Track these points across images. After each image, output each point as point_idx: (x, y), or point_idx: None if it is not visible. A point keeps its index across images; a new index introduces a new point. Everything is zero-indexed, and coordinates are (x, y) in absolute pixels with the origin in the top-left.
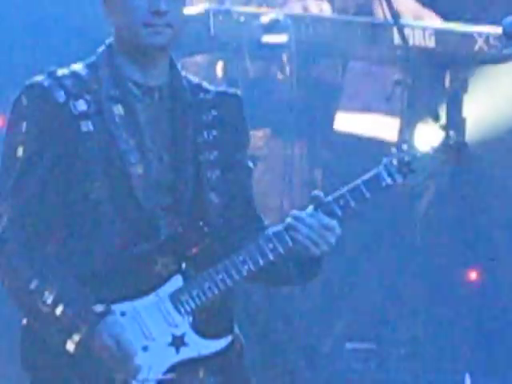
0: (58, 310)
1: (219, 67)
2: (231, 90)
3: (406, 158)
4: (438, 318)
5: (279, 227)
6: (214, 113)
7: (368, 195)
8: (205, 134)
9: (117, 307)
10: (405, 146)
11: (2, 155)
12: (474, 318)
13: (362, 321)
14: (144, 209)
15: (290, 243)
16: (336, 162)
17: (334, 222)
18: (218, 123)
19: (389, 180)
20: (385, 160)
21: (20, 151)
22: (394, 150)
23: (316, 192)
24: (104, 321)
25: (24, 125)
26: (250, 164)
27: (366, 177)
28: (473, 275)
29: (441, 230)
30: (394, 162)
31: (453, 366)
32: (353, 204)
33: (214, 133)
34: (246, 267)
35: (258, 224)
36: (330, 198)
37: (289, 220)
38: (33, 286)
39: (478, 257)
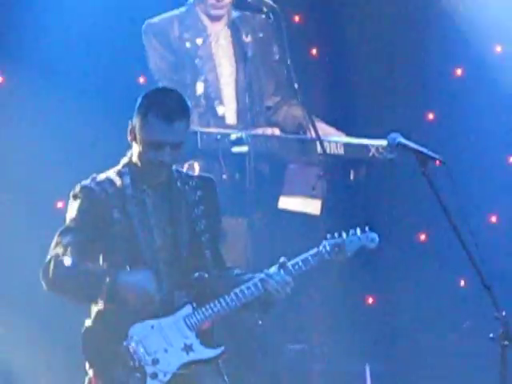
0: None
1: (196, 167)
2: (208, 175)
3: (340, 241)
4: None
5: (255, 279)
6: (199, 193)
7: (313, 263)
8: (195, 210)
9: (148, 322)
10: (337, 234)
11: (63, 227)
12: None
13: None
14: (150, 264)
15: (262, 291)
16: (278, 231)
17: (290, 279)
18: (203, 200)
19: (327, 256)
20: (324, 242)
21: (72, 225)
22: (329, 236)
23: (283, 258)
24: (120, 271)
25: (81, 207)
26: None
27: (312, 252)
28: None
29: None
30: (330, 245)
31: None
32: (304, 269)
33: (202, 207)
34: (233, 304)
35: (228, 271)
36: (289, 263)
37: (262, 275)
38: (81, 267)
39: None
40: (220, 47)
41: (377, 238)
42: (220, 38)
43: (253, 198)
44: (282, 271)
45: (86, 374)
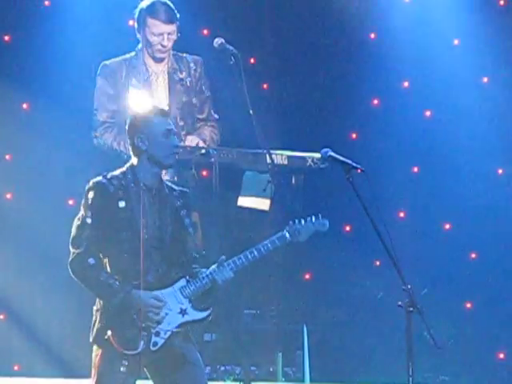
0: (112, 284)
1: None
2: (185, 189)
3: (299, 227)
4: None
5: (214, 267)
6: (181, 200)
7: (278, 244)
8: (181, 211)
9: (152, 293)
10: (296, 221)
11: (81, 220)
12: None
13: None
14: (144, 247)
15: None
16: (237, 223)
17: (232, 275)
18: (185, 206)
19: (289, 238)
20: (287, 227)
21: (88, 215)
22: (291, 222)
23: (223, 257)
24: (133, 291)
25: (95, 201)
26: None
27: (277, 235)
28: None
29: None
30: (291, 229)
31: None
32: (271, 249)
33: (185, 210)
34: (209, 283)
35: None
36: (231, 260)
37: (214, 266)
38: (110, 281)
39: None
40: (158, 83)
41: (327, 224)
42: (160, 76)
43: (218, 197)
44: (227, 268)
45: (105, 333)
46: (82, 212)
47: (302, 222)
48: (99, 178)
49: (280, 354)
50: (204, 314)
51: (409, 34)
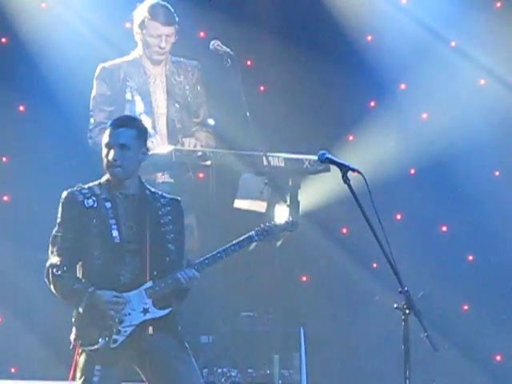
0: (76, 288)
1: (165, 175)
2: (176, 197)
3: (266, 229)
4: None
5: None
6: (168, 208)
7: (245, 245)
8: (164, 217)
9: (118, 295)
10: (263, 224)
11: (53, 232)
12: None
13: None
14: (118, 252)
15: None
16: (233, 224)
17: (197, 274)
18: (171, 213)
19: (256, 238)
20: (255, 228)
21: (59, 227)
22: (261, 224)
23: (189, 257)
24: (96, 291)
25: (65, 213)
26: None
27: (243, 237)
28: None
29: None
30: (258, 230)
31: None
32: (238, 250)
33: (170, 217)
34: (173, 283)
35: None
36: (200, 259)
37: (184, 267)
38: (75, 286)
39: None
40: (157, 86)
41: (297, 224)
42: (157, 79)
43: (215, 199)
44: (193, 269)
45: (71, 332)
46: (53, 234)
47: (272, 223)
48: (71, 189)
49: (277, 357)
50: (165, 312)
51: (405, 36)
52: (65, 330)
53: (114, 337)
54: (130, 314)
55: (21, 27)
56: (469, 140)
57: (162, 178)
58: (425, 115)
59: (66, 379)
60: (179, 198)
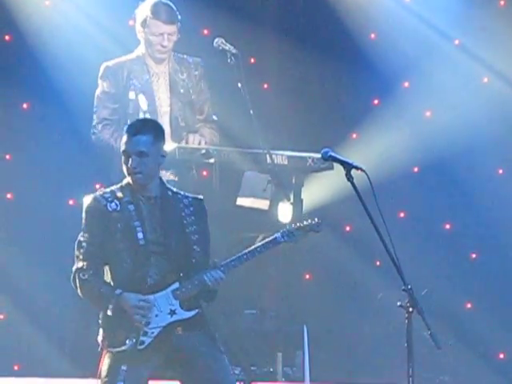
0: (103, 292)
1: (170, 173)
2: (200, 197)
3: (292, 230)
4: None
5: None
6: (191, 208)
7: (271, 247)
8: (188, 218)
9: (145, 297)
10: (289, 226)
11: (79, 237)
12: None
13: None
14: (143, 254)
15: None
16: (235, 222)
17: (223, 275)
18: (195, 213)
19: (280, 240)
20: (280, 230)
21: (85, 232)
22: (287, 226)
23: (215, 260)
24: (123, 294)
25: (88, 218)
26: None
27: (269, 239)
28: None
29: None
30: (283, 232)
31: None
32: (263, 251)
33: (193, 218)
34: (200, 285)
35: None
36: (224, 261)
37: (210, 268)
38: (102, 289)
39: None
40: (160, 85)
41: (321, 225)
42: (160, 77)
43: (218, 197)
44: (218, 270)
45: (98, 334)
46: (79, 239)
47: (296, 224)
48: (94, 194)
49: (280, 354)
50: (192, 313)
51: (409, 34)
52: (68, 327)
53: (142, 338)
54: (156, 315)
55: (24, 24)
56: (472, 138)
57: (165, 175)
58: (428, 113)
59: (69, 377)
60: (201, 197)
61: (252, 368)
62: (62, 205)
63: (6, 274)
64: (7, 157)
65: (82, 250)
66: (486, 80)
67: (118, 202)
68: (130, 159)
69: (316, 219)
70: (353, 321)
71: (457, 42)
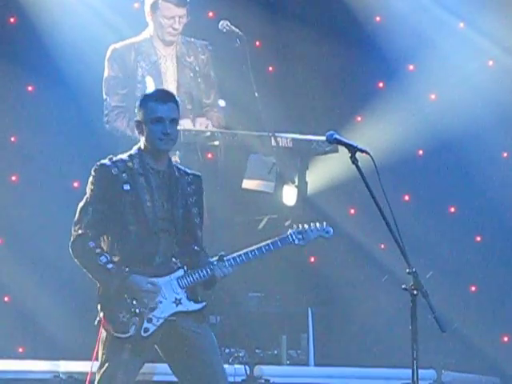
0: (110, 268)
1: (176, 156)
2: (198, 173)
3: (302, 232)
4: None
5: (214, 261)
6: (192, 187)
7: (281, 246)
8: (190, 198)
9: (149, 279)
10: (300, 225)
11: (84, 202)
12: None
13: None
14: (152, 229)
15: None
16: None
17: (231, 270)
18: (195, 193)
19: (291, 241)
20: (290, 231)
21: (91, 198)
22: (294, 226)
23: (222, 252)
24: (131, 276)
25: (97, 184)
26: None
27: (281, 237)
28: None
29: None
30: (295, 233)
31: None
32: (272, 250)
33: (195, 197)
34: (206, 275)
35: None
36: (237, 253)
37: (213, 259)
38: (100, 261)
39: None
40: (168, 67)
41: (331, 231)
42: (168, 59)
43: (223, 180)
44: (226, 264)
45: (98, 315)
46: (86, 194)
47: (306, 226)
48: (104, 161)
49: (284, 337)
50: (199, 306)
51: (414, 17)
52: (72, 309)
53: (146, 325)
54: (161, 302)
55: (29, 7)
56: (477, 121)
57: (174, 158)
58: (433, 96)
59: (73, 359)
60: (200, 174)
61: (256, 351)
62: (67, 187)
63: (10, 256)
64: (12, 139)
65: (87, 216)
66: (491, 63)
67: (129, 173)
68: (164, 125)
69: (325, 224)
70: (357, 303)
71: (462, 24)
